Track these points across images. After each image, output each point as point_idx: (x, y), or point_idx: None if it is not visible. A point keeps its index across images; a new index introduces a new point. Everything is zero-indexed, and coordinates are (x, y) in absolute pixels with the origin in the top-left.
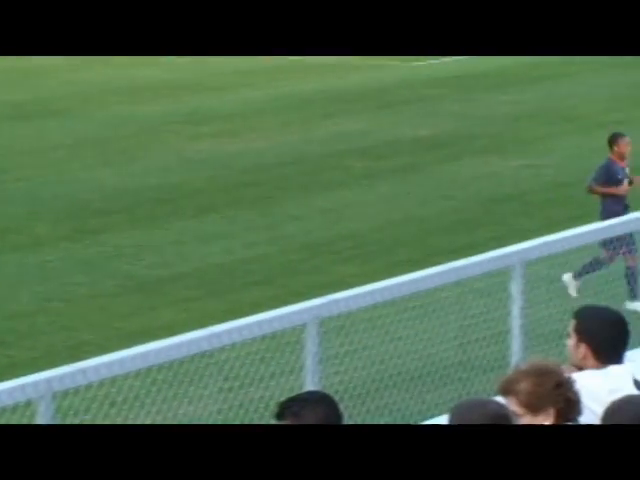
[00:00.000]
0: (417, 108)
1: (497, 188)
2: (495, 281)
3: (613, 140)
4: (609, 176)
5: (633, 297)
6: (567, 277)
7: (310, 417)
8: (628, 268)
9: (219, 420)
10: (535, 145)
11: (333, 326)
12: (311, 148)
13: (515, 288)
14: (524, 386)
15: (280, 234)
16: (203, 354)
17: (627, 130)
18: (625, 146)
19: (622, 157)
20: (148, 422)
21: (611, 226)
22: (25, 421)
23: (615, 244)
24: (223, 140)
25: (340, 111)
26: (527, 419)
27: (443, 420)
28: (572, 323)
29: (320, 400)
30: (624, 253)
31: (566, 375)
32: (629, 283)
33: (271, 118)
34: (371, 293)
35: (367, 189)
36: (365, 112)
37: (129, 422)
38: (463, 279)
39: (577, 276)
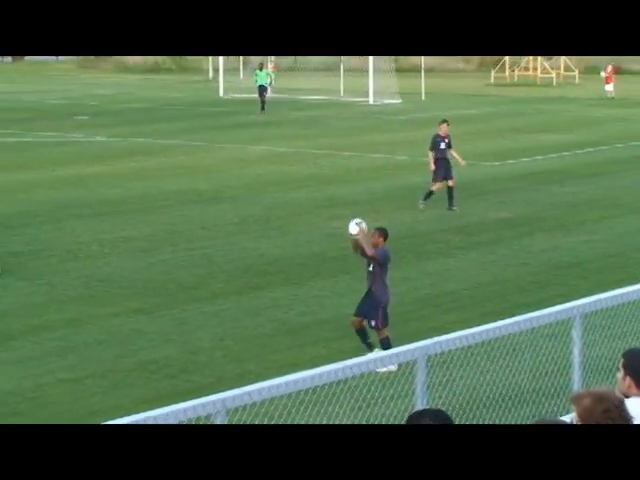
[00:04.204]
0: (499, 196)
1: (561, 257)
2: (560, 328)
3: None
4: None
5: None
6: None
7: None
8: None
9: None
10: (590, 225)
11: (437, 361)
12: (419, 226)
13: (576, 334)
14: (585, 402)
15: (396, 291)
16: (339, 381)
17: None
18: None
19: None
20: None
21: None
22: None
23: None
24: None
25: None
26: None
27: None
28: (621, 361)
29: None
30: None
31: (617, 403)
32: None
33: (388, 204)
34: (466, 337)
35: (462, 258)
36: (459, 200)
37: None
38: (536, 327)
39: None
